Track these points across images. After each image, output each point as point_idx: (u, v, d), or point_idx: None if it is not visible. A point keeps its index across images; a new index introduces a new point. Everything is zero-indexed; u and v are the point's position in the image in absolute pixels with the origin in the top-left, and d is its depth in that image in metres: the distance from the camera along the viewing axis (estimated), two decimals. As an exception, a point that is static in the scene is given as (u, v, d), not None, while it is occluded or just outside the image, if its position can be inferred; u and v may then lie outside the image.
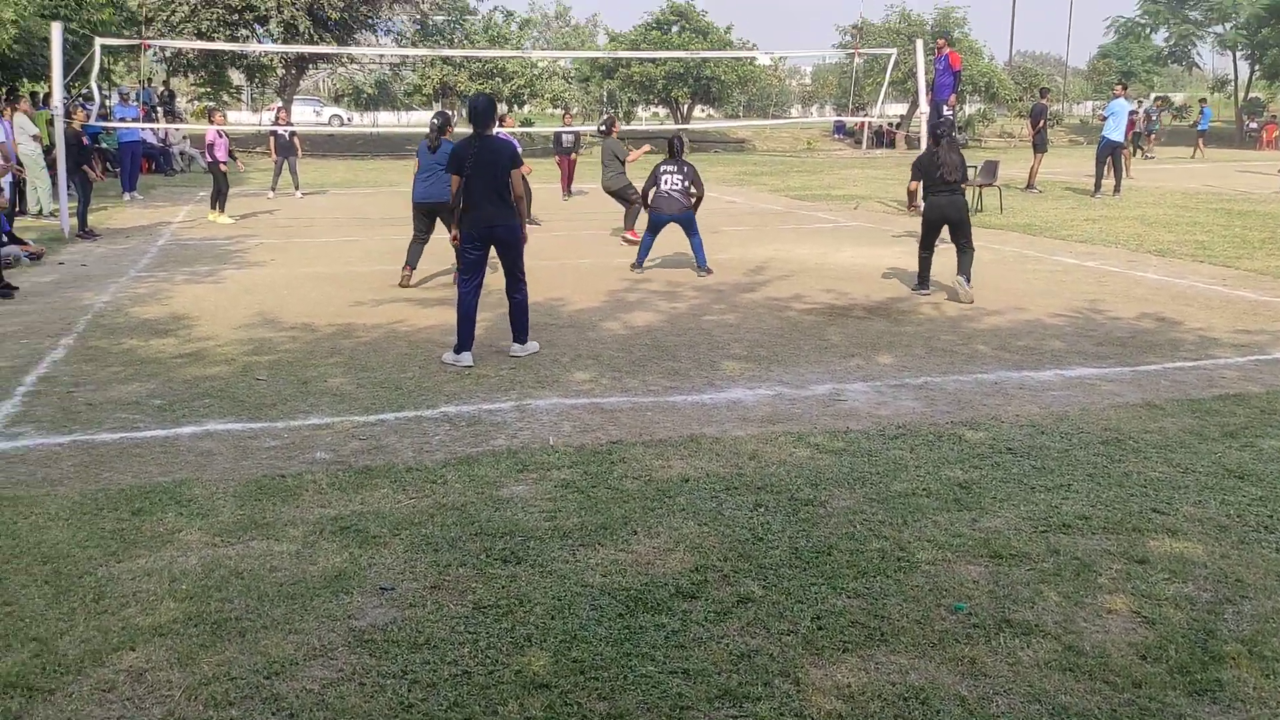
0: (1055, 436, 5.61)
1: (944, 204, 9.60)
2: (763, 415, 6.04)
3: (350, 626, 3.58)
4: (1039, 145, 20.85)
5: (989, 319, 8.73)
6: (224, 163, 16.08)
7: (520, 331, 7.51)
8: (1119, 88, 20.65)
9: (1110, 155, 19.48)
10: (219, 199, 16.09)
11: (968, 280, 9.46)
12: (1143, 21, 52.37)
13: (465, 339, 7.23)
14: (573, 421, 5.90)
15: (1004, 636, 3.53)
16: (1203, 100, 40.09)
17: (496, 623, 3.60)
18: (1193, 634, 3.54)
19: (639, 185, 11.84)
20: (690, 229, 11.14)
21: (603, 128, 14.22)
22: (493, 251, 7.38)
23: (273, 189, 20.01)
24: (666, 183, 10.96)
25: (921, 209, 10.11)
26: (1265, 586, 3.88)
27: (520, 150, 7.51)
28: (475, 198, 7.19)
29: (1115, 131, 19.34)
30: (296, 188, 20.30)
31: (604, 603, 3.74)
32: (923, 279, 9.91)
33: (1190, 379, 6.82)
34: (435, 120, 10.33)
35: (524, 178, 7.62)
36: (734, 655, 3.40)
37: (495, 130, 7.53)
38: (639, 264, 11.30)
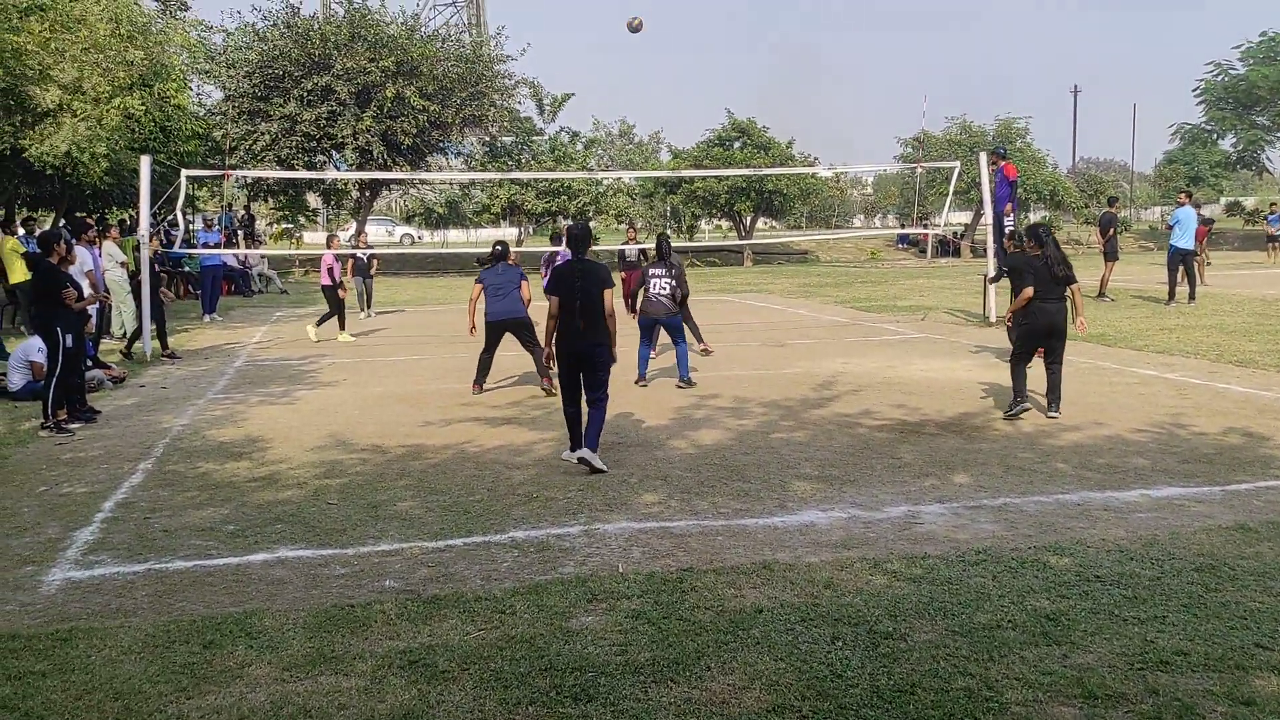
0: (1145, 563, 5.38)
1: (1054, 311, 9.09)
2: (837, 539, 5.90)
3: (418, 770, 3.49)
4: (1109, 254, 20.75)
5: (1068, 435, 8.50)
6: (339, 286, 16.77)
7: (593, 438, 7.61)
8: (1183, 196, 20.51)
9: (1181, 263, 19.27)
10: (341, 319, 16.83)
11: (1058, 408, 9.15)
12: (1209, 128, 52.13)
13: (576, 440, 7.74)
14: (642, 547, 5.81)
15: (1104, 788, 3.32)
16: (1274, 205, 39.50)
17: (567, 767, 3.49)
18: (1311, 787, 3.30)
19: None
20: (676, 336, 11.29)
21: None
22: None
23: (363, 309, 20.53)
24: (655, 286, 11.13)
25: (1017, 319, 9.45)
26: (1387, 732, 3.63)
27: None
28: (572, 320, 7.55)
29: (1183, 239, 19.24)
30: (369, 307, 20.80)
31: (678, 746, 3.61)
32: (1021, 393, 9.17)
33: (1285, 499, 6.53)
34: (498, 248, 11.22)
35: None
36: (816, 806, 3.24)
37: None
38: (642, 376, 11.33)
